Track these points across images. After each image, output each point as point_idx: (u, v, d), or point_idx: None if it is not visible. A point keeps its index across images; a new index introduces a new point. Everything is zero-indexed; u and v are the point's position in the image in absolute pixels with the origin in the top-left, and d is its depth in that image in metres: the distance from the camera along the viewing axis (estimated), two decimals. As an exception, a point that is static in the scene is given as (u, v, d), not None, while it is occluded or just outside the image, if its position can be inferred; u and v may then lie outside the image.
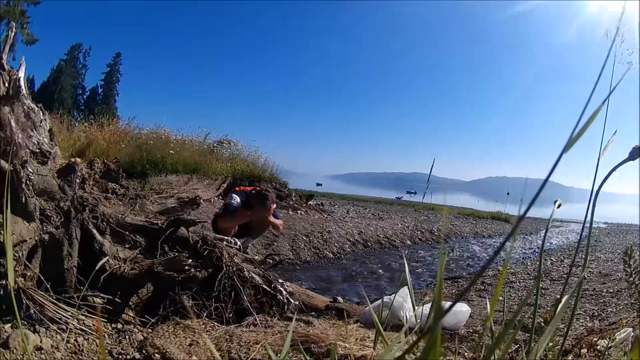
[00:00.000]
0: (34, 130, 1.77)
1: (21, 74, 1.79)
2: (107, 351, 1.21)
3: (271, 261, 2.12)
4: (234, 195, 3.18)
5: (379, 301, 1.61)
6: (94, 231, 1.62)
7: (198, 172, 6.47)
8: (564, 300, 0.50)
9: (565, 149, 0.26)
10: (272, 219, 3.24)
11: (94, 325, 1.26)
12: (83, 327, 1.25)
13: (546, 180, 0.26)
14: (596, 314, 2.13)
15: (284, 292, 1.80)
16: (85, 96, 38.16)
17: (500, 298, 2.21)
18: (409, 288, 0.81)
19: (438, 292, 0.25)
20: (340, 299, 2.31)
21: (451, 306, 0.25)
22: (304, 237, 4.64)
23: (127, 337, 1.31)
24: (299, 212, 5.97)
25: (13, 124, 1.57)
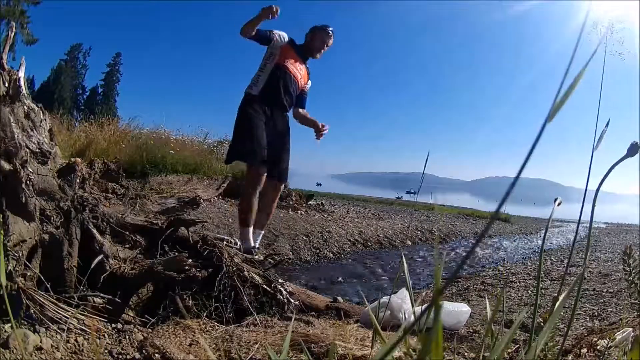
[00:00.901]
0: (34, 130, 1.78)
1: (21, 74, 1.79)
2: (107, 351, 1.21)
3: (271, 261, 2.12)
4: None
5: (379, 301, 1.61)
6: (94, 231, 1.62)
7: (198, 172, 6.48)
8: (561, 298, 0.50)
9: (549, 118, 0.25)
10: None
11: (93, 324, 1.26)
12: (83, 327, 1.25)
13: (527, 159, 0.25)
14: (596, 314, 2.13)
15: (284, 292, 1.80)
16: (85, 96, 38.21)
17: (500, 297, 2.21)
18: (408, 288, 0.81)
19: (437, 292, 0.25)
20: (340, 299, 2.31)
21: (426, 308, 0.25)
22: (304, 237, 4.64)
23: (127, 337, 1.31)
24: (299, 212, 5.97)
25: (13, 124, 1.57)
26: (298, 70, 2.58)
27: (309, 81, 2.73)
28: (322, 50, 2.64)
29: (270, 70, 2.49)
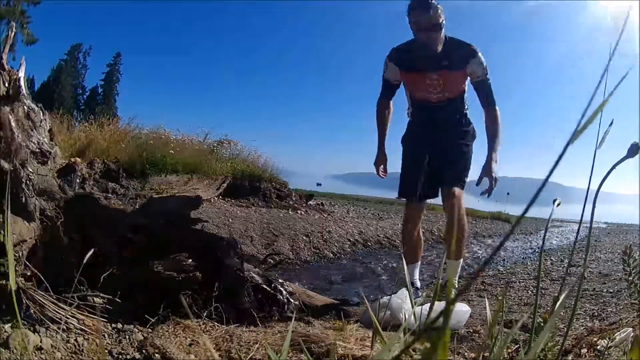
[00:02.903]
0: (34, 130, 1.77)
1: (21, 74, 1.79)
2: (107, 351, 1.21)
3: (271, 261, 2.12)
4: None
5: (379, 301, 1.61)
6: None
7: (198, 172, 6.47)
8: (562, 298, 0.50)
9: (571, 140, 0.25)
10: None
11: (93, 325, 1.26)
12: (83, 327, 1.25)
13: (550, 173, 0.25)
14: (596, 314, 2.13)
15: (284, 292, 1.80)
16: (85, 96, 38.17)
17: (500, 297, 2.21)
18: (407, 289, 0.81)
19: (435, 293, 0.25)
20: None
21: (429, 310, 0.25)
22: (304, 237, 4.64)
23: (127, 337, 1.31)
24: (299, 212, 5.97)
25: (13, 124, 1.57)
26: (430, 86, 2.13)
27: (470, 66, 2.10)
28: (424, 33, 2.03)
29: (411, 106, 2.38)
